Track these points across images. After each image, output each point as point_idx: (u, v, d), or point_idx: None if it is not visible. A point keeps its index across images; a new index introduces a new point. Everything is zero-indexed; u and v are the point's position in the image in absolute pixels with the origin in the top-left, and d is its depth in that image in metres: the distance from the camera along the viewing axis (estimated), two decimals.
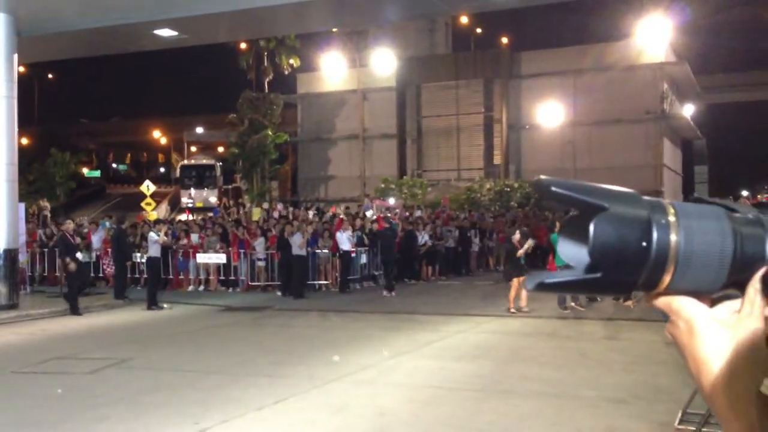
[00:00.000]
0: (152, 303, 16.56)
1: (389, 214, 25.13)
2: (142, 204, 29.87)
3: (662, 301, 0.80)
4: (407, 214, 27.09)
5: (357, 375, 9.43)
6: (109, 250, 20.50)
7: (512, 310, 14.77)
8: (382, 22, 33.26)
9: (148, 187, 30.42)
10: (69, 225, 16.79)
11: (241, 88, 43.40)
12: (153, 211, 30.43)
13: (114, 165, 71.99)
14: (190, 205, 42.66)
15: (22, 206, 18.31)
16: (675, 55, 42.39)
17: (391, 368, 9.94)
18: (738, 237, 0.76)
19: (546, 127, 40.74)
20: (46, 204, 30.19)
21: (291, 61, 43.31)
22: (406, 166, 44.22)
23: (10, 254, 16.28)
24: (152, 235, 17.54)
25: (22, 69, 19.57)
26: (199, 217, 30.67)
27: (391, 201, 32.03)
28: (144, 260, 20.95)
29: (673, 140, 46.13)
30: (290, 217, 22.67)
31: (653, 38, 38.92)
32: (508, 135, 42.71)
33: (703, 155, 50.41)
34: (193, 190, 43.65)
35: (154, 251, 17.34)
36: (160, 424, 7.29)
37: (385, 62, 42.89)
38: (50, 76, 62.98)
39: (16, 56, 17.12)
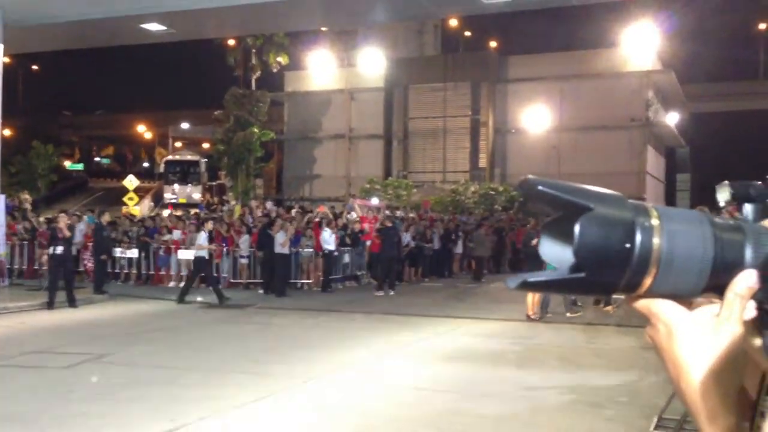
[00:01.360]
0: (221, 297, 16.80)
1: (376, 215, 25.08)
2: (125, 198, 29.69)
3: (642, 304, 0.80)
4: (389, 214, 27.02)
5: (337, 374, 9.43)
6: (89, 244, 20.35)
7: (532, 316, 14.02)
8: (370, 23, 33.26)
9: (131, 181, 30.23)
10: (62, 220, 16.54)
11: (228, 85, 43.27)
12: (135, 206, 30.24)
13: (97, 158, 71.46)
14: (173, 201, 42.43)
15: (2, 198, 18.14)
16: (661, 64, 42.72)
17: (371, 368, 9.95)
18: (719, 242, 0.77)
19: (532, 131, 40.89)
20: (27, 197, 29.92)
21: (279, 58, 43.21)
22: (391, 167, 44.23)
23: None
24: (203, 234, 17.42)
25: (6, 59, 19.37)
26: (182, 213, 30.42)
27: (374, 201, 31.98)
28: (124, 254, 20.94)
29: (657, 148, 46.47)
30: (273, 215, 22.48)
31: (640, 46, 39.19)
32: (494, 138, 42.85)
33: (686, 163, 50.80)
34: (176, 186, 43.41)
35: (200, 251, 17.22)
36: (137, 420, 7.25)
37: (373, 62, 42.88)
38: (35, 67, 62.36)
39: (1, 47, 16.97)
